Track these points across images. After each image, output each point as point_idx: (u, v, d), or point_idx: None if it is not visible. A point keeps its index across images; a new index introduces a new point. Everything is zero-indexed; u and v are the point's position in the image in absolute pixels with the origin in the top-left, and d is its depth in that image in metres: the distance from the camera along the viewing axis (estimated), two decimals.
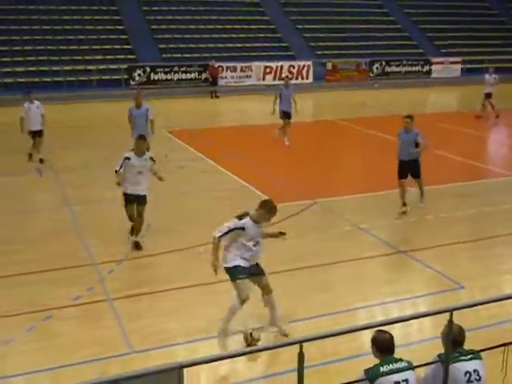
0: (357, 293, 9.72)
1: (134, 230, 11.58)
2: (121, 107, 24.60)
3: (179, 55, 33.41)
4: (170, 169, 16.89)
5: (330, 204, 13.95)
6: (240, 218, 8.50)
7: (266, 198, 11.93)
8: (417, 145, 13.01)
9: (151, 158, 11.42)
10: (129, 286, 9.88)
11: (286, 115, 20.18)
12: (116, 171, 11.14)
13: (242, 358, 7.31)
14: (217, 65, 32.51)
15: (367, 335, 6.08)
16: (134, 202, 11.40)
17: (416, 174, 13.30)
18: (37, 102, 18.54)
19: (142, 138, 11.69)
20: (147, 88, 31.18)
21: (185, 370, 4.69)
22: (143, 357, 7.72)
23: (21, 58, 30.51)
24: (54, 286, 9.90)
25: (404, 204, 13.16)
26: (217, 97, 31.62)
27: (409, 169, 13.22)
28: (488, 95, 24.14)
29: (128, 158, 11.13)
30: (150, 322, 8.69)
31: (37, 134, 18.18)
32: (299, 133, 21.35)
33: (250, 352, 6.17)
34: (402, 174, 13.19)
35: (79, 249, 11.46)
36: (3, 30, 31.06)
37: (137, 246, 11.53)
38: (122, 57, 32.51)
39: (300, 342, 4.97)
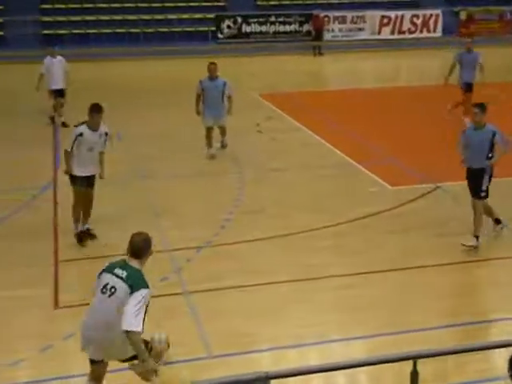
0: (494, 299, 9.58)
1: (82, 218, 11.49)
2: (204, 66, 25.00)
3: (276, 2, 33.36)
4: (263, 140, 17.00)
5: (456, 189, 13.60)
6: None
7: (379, 180, 11.89)
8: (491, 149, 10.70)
9: (106, 134, 11.26)
10: (209, 278, 9.93)
11: (468, 87, 19.41)
12: (66, 151, 11.08)
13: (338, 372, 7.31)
14: (322, 14, 32.25)
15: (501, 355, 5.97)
16: (84, 184, 11.28)
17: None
18: (60, 57, 19.30)
19: (96, 107, 11.15)
20: (238, 42, 31.50)
21: (272, 381, 4.74)
22: (222, 362, 7.80)
23: (91, 5, 31.28)
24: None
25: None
26: (321, 54, 31.36)
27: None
28: None
29: (81, 135, 10.95)
30: (231, 322, 8.76)
31: (58, 93, 18.94)
32: (428, 99, 21.10)
33: (350, 366, 6.12)
34: None
35: (151, 231, 11.65)
36: None
37: (82, 239, 11.41)
38: (209, 4, 32.74)
39: (414, 358, 4.94)
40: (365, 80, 26.46)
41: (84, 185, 11.26)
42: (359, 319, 8.90)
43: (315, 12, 32.12)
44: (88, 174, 11.28)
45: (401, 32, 33.48)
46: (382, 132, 17.87)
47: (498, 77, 23.12)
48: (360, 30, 33.19)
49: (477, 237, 10.83)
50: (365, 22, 33.25)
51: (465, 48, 19.58)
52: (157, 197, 13.14)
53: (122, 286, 6.65)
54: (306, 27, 32.55)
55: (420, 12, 33.93)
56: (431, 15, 33.75)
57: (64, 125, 18.46)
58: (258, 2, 33.43)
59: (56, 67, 18.93)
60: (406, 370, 4.95)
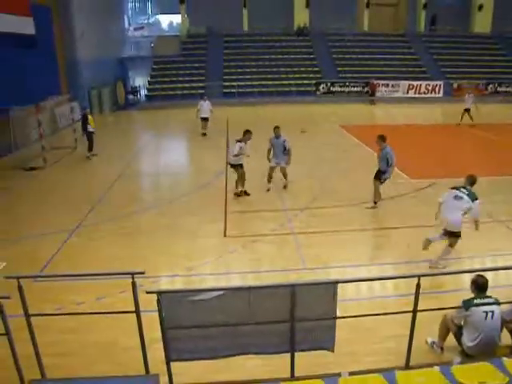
0: (460, 247, 9.20)
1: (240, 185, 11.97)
2: (310, 108, 24.59)
3: (350, 75, 32.69)
4: (339, 152, 16.82)
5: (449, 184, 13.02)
6: None
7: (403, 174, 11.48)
8: None
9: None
10: (307, 226, 10.05)
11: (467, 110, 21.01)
12: None
13: (378, 282, 7.24)
14: (375, 81, 31.39)
15: (467, 276, 5.80)
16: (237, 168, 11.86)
17: None
18: (208, 101, 19.93)
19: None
20: (328, 96, 31.17)
21: (339, 285, 4.76)
22: (312, 273, 7.89)
23: (255, 76, 31.59)
24: (263, 221, 10.34)
25: None
26: (374, 104, 30.53)
27: None
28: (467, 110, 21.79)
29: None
30: (318, 251, 8.81)
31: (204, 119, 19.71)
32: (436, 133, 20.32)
33: (381, 278, 6.08)
34: None
35: (276, 199, 11.83)
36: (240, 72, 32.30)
37: (239, 195, 11.87)
38: (312, 76, 32.43)
39: (418, 276, 4.86)
40: (399, 120, 25.57)
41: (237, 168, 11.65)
42: (387, 253, 8.78)
43: (371, 80, 31.30)
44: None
45: (420, 93, 32.22)
46: (402, 147, 17.31)
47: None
48: (396, 91, 32.06)
49: (375, 202, 11.06)
50: (399, 86, 32.10)
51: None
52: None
53: (465, 197, 7.72)
54: (365, 89, 31.70)
55: (431, 82, 32.47)
56: (437, 84, 32.27)
57: (204, 135, 19.55)
58: (340, 75, 32.77)
59: (205, 106, 19.74)
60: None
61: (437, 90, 32.13)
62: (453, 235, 8.01)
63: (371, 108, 29.73)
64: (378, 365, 5.03)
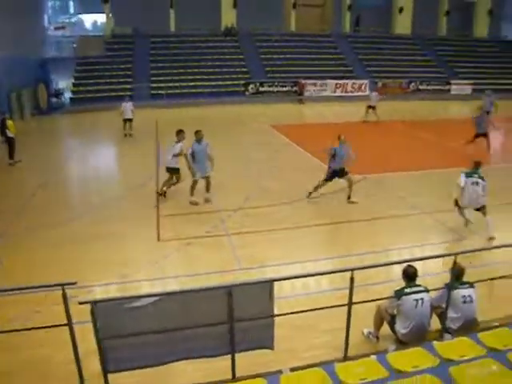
0: (391, 239, 9.58)
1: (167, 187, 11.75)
2: (240, 109, 24.72)
3: (278, 75, 33.15)
4: (271, 150, 17.02)
5: (378, 179, 13.62)
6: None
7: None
8: None
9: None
10: (240, 226, 10.07)
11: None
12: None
13: (313, 277, 7.36)
14: (303, 81, 32.04)
15: (397, 267, 6.03)
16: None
17: None
18: (130, 102, 19.81)
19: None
20: (257, 97, 31.41)
21: (275, 283, 4.81)
22: (248, 273, 7.92)
23: (184, 77, 31.26)
24: (196, 223, 10.25)
25: None
26: (303, 103, 31.15)
27: None
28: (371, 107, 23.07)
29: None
30: (253, 250, 8.87)
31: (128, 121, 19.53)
32: (364, 129, 21.02)
33: (316, 274, 6.19)
34: None
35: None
36: (168, 67, 31.88)
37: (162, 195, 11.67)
38: (241, 76, 32.61)
39: (352, 270, 5.00)
40: (327, 118, 26.24)
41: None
42: (321, 249, 8.98)
43: (299, 80, 31.91)
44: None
45: (347, 92, 33.25)
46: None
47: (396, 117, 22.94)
48: (324, 90, 32.89)
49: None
50: (326, 85, 32.96)
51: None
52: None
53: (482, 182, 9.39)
54: (294, 88, 32.26)
55: (357, 81, 33.61)
56: (363, 83, 33.43)
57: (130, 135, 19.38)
58: (268, 75, 33.16)
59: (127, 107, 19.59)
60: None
61: (363, 88, 33.26)
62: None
63: (300, 107, 30.32)
64: (317, 359, 5.13)
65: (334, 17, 40.53)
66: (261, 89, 32.11)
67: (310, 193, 11.53)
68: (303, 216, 10.65)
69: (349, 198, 11.49)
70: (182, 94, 30.11)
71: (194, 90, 30.51)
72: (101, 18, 37.68)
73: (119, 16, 35.01)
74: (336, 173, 11.33)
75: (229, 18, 36.61)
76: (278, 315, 4.95)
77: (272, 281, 4.84)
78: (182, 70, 31.58)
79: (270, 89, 32.29)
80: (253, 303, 4.81)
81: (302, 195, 11.64)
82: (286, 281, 6.83)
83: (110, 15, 35.26)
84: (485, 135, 16.66)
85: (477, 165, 9.85)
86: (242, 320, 4.75)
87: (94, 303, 4.32)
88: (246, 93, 31.78)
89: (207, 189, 11.49)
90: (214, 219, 10.41)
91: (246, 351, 4.96)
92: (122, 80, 30.14)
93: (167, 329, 4.62)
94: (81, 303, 4.27)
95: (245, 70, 33.30)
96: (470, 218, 9.77)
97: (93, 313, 4.29)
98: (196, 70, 31.99)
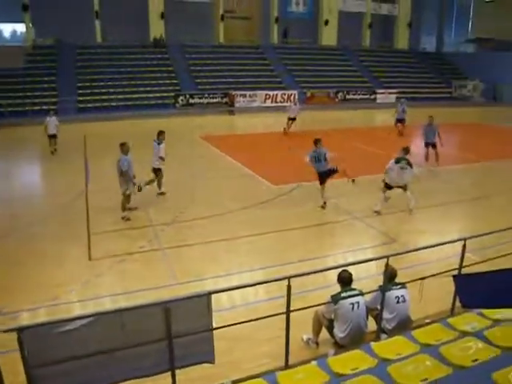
0: (326, 245, 9.79)
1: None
2: (171, 121, 24.48)
3: (208, 86, 33.22)
4: (203, 162, 16.95)
5: (311, 186, 13.86)
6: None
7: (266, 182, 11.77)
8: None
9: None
10: (175, 240, 9.92)
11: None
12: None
13: (251, 288, 7.37)
14: (234, 93, 32.27)
15: (333, 273, 6.15)
16: None
17: None
18: (54, 117, 18.88)
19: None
20: (187, 108, 31.24)
21: (212, 295, 4.77)
22: (185, 287, 7.80)
23: (112, 90, 30.47)
24: (129, 239, 9.99)
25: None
26: (233, 114, 31.33)
27: None
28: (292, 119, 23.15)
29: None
30: (189, 264, 8.76)
31: (53, 137, 18.60)
32: (295, 137, 21.37)
33: (253, 284, 6.21)
34: None
35: (142, 215, 11.51)
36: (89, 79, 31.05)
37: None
38: (171, 88, 32.35)
39: (288, 278, 5.04)
40: (257, 128, 26.53)
41: None
42: (257, 259, 9.02)
43: (230, 92, 32.10)
44: None
45: (276, 102, 33.82)
46: (266, 156, 18.05)
47: (325, 126, 23.60)
48: (254, 101, 33.29)
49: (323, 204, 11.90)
50: (256, 96, 33.38)
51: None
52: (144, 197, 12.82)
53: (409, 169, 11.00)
54: (224, 100, 32.43)
55: (286, 92, 34.33)
56: (292, 93, 34.17)
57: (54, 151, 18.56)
58: (199, 86, 33.14)
59: (51, 122, 18.64)
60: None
61: (292, 98, 33.99)
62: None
63: (231, 118, 30.47)
64: (259, 369, 5.12)
65: (262, 29, 41.29)
66: (191, 100, 32.01)
67: (324, 203, 11.87)
68: (238, 227, 10.65)
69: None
70: (111, 107, 29.45)
71: (123, 103, 29.91)
72: (20, 28, 36.11)
73: (40, 26, 33.80)
74: (322, 175, 11.80)
75: (157, 29, 36.34)
76: (217, 328, 4.89)
77: (209, 294, 4.78)
78: (110, 83, 30.90)
79: (201, 100, 32.28)
80: (191, 317, 4.73)
81: (236, 206, 11.68)
82: (224, 293, 6.79)
83: (31, 25, 33.91)
84: (433, 145, 16.37)
85: (404, 150, 11.32)
86: (181, 335, 4.66)
87: (20, 330, 4.06)
88: (177, 105, 31.57)
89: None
90: (148, 234, 10.20)
91: (186, 367, 4.87)
92: (46, 93, 29.00)
93: (103, 350, 4.43)
94: (5, 331, 4.00)
95: (175, 81, 33.11)
96: (388, 196, 11.57)
97: (20, 341, 4.04)
98: (125, 83, 31.42)
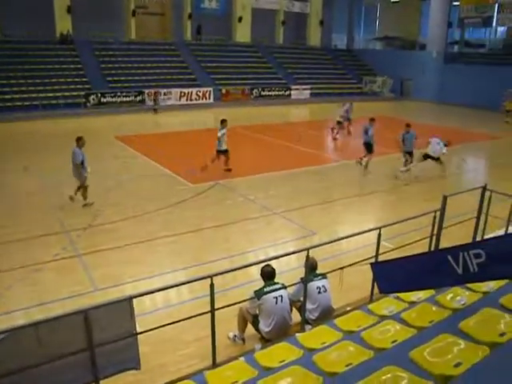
0: (246, 242, 9.89)
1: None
2: (82, 121, 23.60)
3: (120, 84, 32.28)
4: (118, 163, 16.50)
5: (229, 184, 13.99)
6: None
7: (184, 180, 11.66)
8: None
9: None
10: (92, 245, 9.58)
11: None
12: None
13: (173, 289, 7.31)
14: (156, 91, 31.54)
15: (255, 269, 6.24)
16: None
17: None
18: None
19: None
20: (99, 108, 30.20)
21: (134, 299, 4.67)
22: (105, 293, 7.57)
23: (14, 89, 28.66)
24: (42, 247, 9.50)
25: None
26: (157, 113, 30.58)
27: None
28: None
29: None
30: (108, 269, 8.51)
31: None
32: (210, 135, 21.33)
33: (175, 285, 6.17)
34: None
35: (54, 221, 10.98)
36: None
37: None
38: (81, 87, 31.08)
39: (211, 277, 5.05)
40: (174, 127, 26.16)
41: None
42: (177, 259, 8.95)
43: (155, 90, 31.61)
44: None
45: (191, 100, 33.57)
46: (179, 154, 17.89)
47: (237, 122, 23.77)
48: (168, 99, 32.79)
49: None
50: (171, 94, 32.93)
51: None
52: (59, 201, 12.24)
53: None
54: (138, 98, 31.67)
55: (201, 89, 34.10)
56: (207, 90, 34.03)
57: None
58: (110, 85, 32.09)
59: None
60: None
61: (207, 96, 33.90)
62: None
63: (149, 117, 29.75)
64: (187, 370, 5.10)
65: (174, 25, 40.72)
66: (103, 100, 30.88)
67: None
68: (157, 228, 10.48)
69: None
70: (12, 107, 27.70)
71: (25, 103, 28.18)
72: None
73: None
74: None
75: (64, 24, 34.58)
76: (141, 333, 4.80)
77: (130, 298, 4.68)
78: (12, 81, 29.05)
79: (113, 99, 31.23)
80: (113, 324, 4.60)
81: (153, 206, 11.51)
82: (146, 296, 6.67)
83: None
84: (410, 154, 15.19)
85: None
86: (103, 344, 4.52)
87: None
88: (88, 104, 30.33)
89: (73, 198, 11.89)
90: (63, 240, 9.76)
91: (111, 376, 4.73)
92: None
93: (19, 368, 4.19)
94: None
95: (85, 80, 31.78)
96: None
97: None
98: (29, 81, 29.67)
